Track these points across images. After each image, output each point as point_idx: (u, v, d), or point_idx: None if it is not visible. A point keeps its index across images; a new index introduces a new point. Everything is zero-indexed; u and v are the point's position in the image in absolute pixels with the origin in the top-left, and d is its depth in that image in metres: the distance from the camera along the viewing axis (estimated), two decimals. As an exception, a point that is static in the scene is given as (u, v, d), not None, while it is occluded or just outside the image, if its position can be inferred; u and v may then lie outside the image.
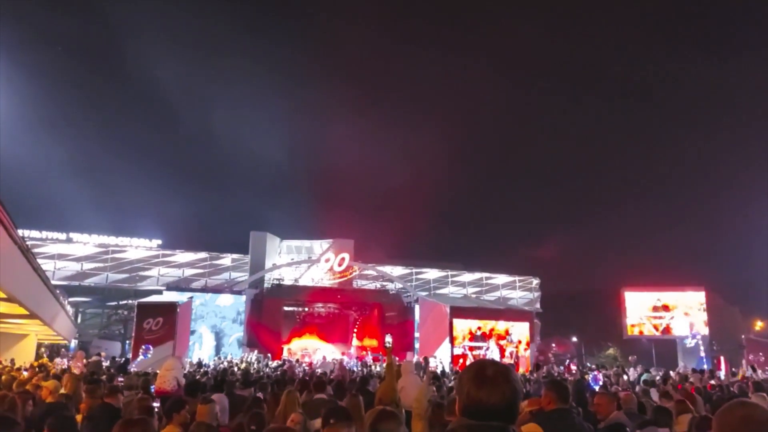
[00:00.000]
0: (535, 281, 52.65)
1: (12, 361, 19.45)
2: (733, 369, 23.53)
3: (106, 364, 18.43)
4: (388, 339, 7.98)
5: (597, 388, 11.50)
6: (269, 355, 27.94)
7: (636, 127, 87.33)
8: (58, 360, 23.55)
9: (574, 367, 25.69)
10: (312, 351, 32.08)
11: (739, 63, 73.31)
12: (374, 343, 33.13)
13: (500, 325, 28.76)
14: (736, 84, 75.62)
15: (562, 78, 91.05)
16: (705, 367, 23.53)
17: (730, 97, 78.21)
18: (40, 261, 18.49)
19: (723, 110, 77.22)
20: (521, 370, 23.36)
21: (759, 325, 45.22)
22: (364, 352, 31.67)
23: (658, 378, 17.15)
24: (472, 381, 1.87)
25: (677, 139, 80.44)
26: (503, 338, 27.82)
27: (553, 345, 40.24)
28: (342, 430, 3.57)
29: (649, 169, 79.53)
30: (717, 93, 76.17)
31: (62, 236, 41.68)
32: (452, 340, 27.31)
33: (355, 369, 21.58)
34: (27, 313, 16.17)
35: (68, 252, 40.96)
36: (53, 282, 23.85)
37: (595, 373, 19.50)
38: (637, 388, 12.68)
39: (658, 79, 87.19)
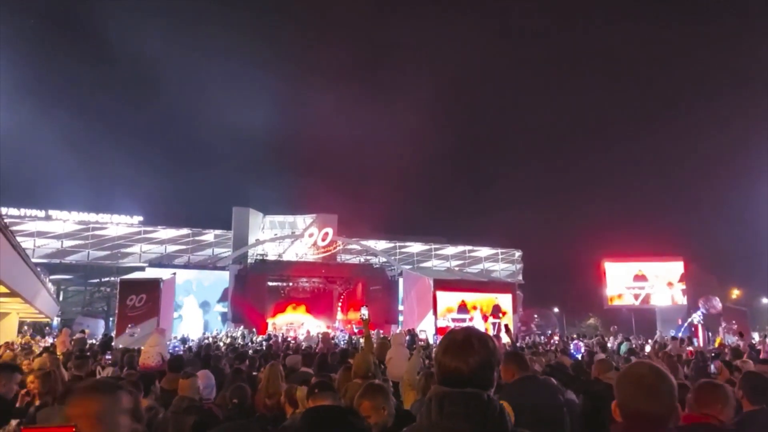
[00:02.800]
0: (518, 253, 53.20)
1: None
2: (710, 335, 24.04)
3: (91, 341, 18.36)
4: (364, 311, 7.94)
5: (579, 357, 11.74)
6: (254, 330, 28.01)
7: (619, 102, 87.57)
8: (39, 338, 23.45)
9: (556, 338, 26.08)
10: (297, 325, 32.22)
11: (724, 44, 73.72)
12: (359, 316, 33.34)
13: (485, 298, 29.03)
14: (717, 63, 75.99)
15: (548, 51, 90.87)
16: (680, 335, 24.07)
17: (710, 77, 78.74)
18: (19, 239, 18.23)
19: (703, 88, 77.79)
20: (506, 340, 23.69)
21: (735, 293, 46.21)
22: (349, 326, 31.91)
23: (636, 346, 17.55)
24: (441, 348, 1.93)
25: (658, 114, 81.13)
26: (496, 316, 28.12)
27: (535, 316, 40.72)
28: (326, 400, 3.61)
29: (630, 142, 80.00)
30: (698, 72, 76.51)
31: (41, 213, 41.11)
32: (436, 313, 27.55)
33: (339, 343, 21.72)
34: (7, 291, 16.02)
35: (48, 229, 40.53)
36: (33, 260, 23.59)
37: (576, 342, 19.89)
38: (619, 357, 12.93)
39: (643, 56, 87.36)
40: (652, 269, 39.88)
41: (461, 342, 1.89)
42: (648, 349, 16.33)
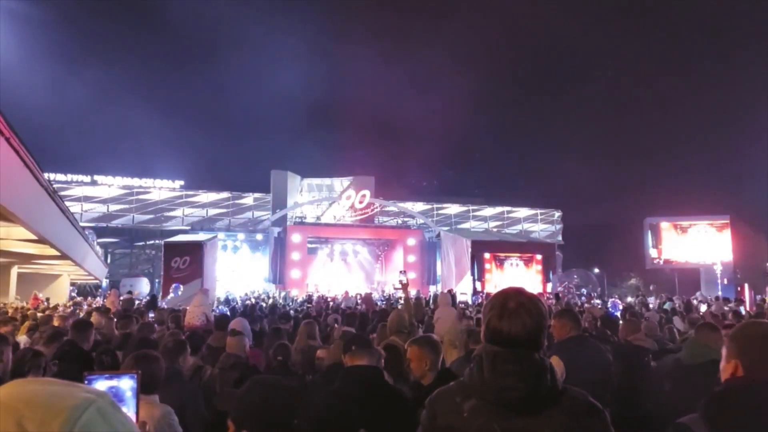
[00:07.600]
0: (557, 214, 52.54)
1: (47, 300, 20.11)
2: (758, 297, 23.48)
3: (139, 301, 18.95)
4: (401, 277, 7.99)
5: (618, 314, 11.57)
6: (295, 290, 28.56)
7: (661, 51, 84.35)
8: (90, 299, 24.41)
9: (596, 301, 25.76)
10: (336, 286, 32.70)
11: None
12: (398, 280, 33.63)
13: (524, 258, 28.89)
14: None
15: (589, 3, 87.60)
16: (720, 294, 23.53)
17: (756, 21, 74.82)
18: (67, 203, 18.80)
19: (750, 32, 74.04)
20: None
21: (785, 252, 44.82)
22: (388, 286, 32.24)
23: (678, 305, 17.19)
24: (493, 311, 1.89)
25: (702, 62, 77.81)
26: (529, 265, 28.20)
27: (575, 276, 40.36)
28: (363, 358, 3.64)
29: (672, 95, 77.31)
30: (743, 17, 72.79)
31: (87, 179, 42.32)
32: (474, 274, 27.54)
33: (379, 303, 21.97)
34: (58, 254, 16.62)
35: (94, 194, 41.72)
36: (81, 224, 24.36)
37: (614, 300, 19.58)
38: (658, 316, 12.72)
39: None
40: (697, 227, 38.95)
41: (515, 307, 1.86)
42: (703, 308, 15.91)
